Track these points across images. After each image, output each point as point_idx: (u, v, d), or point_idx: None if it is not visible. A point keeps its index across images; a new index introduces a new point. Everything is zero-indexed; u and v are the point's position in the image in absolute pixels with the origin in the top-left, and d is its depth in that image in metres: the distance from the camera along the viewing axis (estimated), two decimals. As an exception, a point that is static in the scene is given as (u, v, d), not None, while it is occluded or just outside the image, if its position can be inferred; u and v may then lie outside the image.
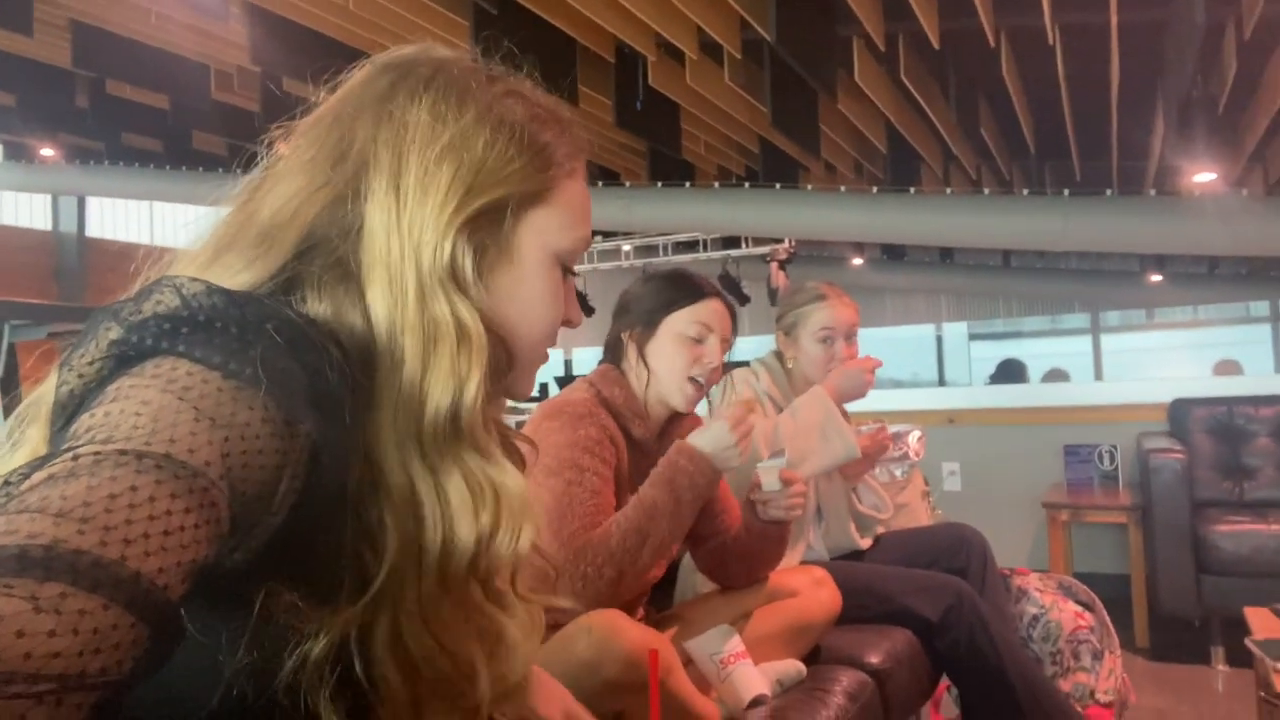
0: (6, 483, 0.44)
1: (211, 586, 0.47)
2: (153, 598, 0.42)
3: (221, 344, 0.52)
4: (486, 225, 0.67)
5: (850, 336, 2.18)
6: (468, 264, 0.65)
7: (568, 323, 0.75)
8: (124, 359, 0.52)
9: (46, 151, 7.13)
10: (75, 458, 0.44)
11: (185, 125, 5.96)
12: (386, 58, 0.71)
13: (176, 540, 0.44)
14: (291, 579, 0.55)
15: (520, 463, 0.74)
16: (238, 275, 0.62)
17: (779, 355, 2.24)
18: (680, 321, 1.63)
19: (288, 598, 0.55)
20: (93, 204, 10.16)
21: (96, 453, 0.45)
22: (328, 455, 0.55)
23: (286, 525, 0.53)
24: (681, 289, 1.66)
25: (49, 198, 9.78)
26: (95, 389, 0.52)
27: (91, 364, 0.53)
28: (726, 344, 1.67)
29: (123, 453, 0.45)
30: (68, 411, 0.52)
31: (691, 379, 1.62)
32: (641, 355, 1.65)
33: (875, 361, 2.09)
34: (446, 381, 0.61)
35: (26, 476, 0.44)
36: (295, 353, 0.55)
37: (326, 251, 0.63)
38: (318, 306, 0.62)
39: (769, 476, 1.61)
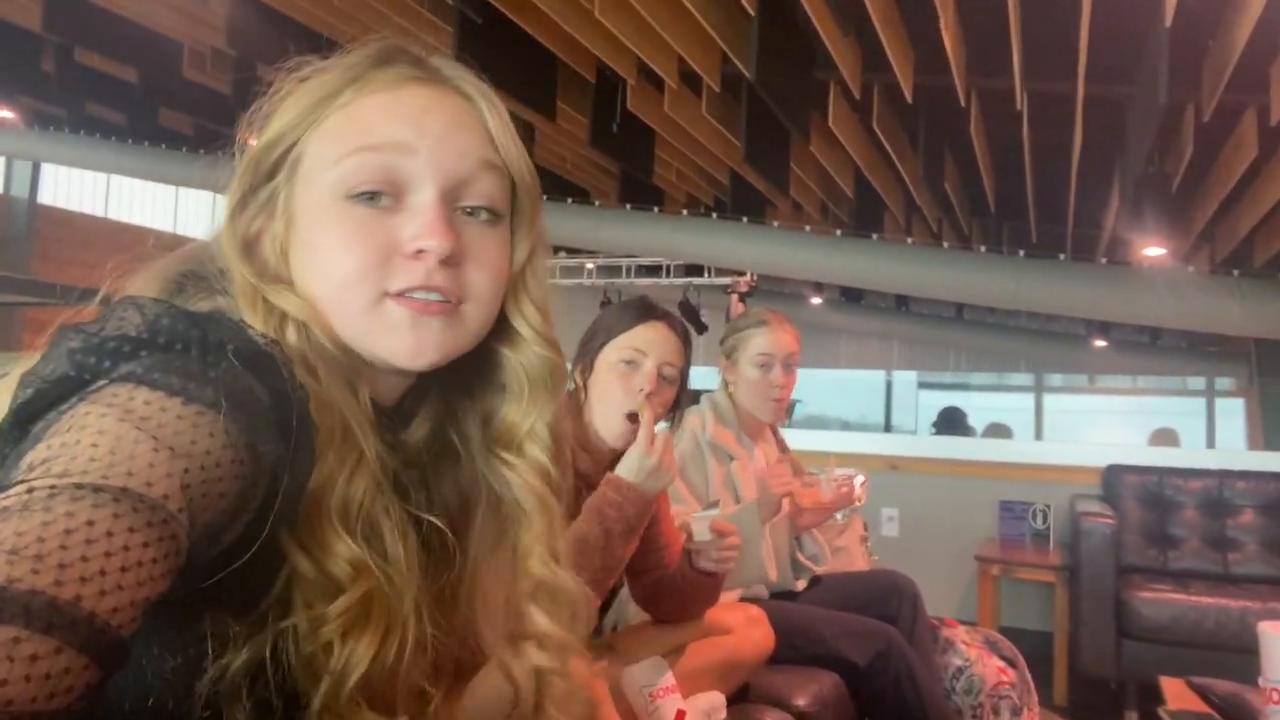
0: None
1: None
2: (106, 637, 0.41)
3: (181, 366, 0.51)
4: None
5: (788, 365, 2.15)
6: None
7: (421, 250, 0.62)
8: (82, 381, 0.51)
9: (5, 114, 6.95)
10: (30, 490, 0.43)
11: (153, 101, 5.87)
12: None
13: (134, 576, 0.42)
14: (227, 589, 0.54)
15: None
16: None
17: (728, 386, 2.23)
18: (614, 350, 1.57)
19: (218, 613, 0.54)
20: (47, 171, 9.89)
21: (52, 486, 0.43)
22: (288, 478, 0.54)
23: (236, 544, 0.52)
24: (622, 316, 1.60)
25: (2, 160, 9.52)
26: (50, 410, 0.50)
27: (52, 377, 0.51)
28: (672, 370, 1.58)
29: (79, 486, 0.43)
30: (22, 421, 0.50)
31: (628, 415, 1.52)
32: (585, 390, 1.60)
33: (818, 494, 2.08)
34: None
35: None
36: (257, 374, 0.54)
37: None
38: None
39: (699, 527, 1.59)
